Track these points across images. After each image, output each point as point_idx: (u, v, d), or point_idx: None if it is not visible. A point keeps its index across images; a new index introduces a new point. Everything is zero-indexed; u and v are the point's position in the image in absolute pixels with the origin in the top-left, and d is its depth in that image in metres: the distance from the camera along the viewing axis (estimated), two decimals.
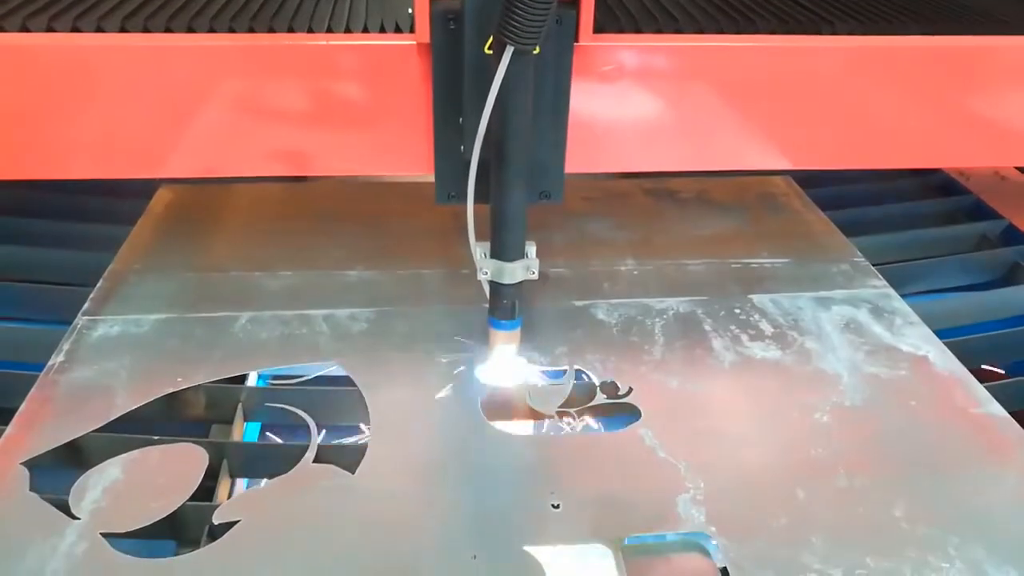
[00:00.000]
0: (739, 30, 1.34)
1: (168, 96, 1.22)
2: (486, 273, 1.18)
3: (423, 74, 1.19)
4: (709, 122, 1.32)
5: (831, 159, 1.41)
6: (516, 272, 1.17)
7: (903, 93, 1.35)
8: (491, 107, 1.00)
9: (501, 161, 1.08)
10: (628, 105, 1.29)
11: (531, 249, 1.18)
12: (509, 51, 0.95)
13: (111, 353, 1.24)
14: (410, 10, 1.13)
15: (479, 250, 1.17)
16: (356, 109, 1.25)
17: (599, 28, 1.26)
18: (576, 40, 1.14)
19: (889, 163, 1.46)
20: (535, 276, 1.19)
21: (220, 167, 1.29)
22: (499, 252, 1.16)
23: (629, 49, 1.25)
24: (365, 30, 1.26)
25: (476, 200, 1.11)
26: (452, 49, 1.10)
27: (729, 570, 0.93)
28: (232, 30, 1.25)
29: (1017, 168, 2.03)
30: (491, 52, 0.99)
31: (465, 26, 1.05)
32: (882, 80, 1.33)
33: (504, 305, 1.21)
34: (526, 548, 0.95)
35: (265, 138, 1.27)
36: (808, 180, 1.89)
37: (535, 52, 1.01)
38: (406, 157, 1.27)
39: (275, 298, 1.39)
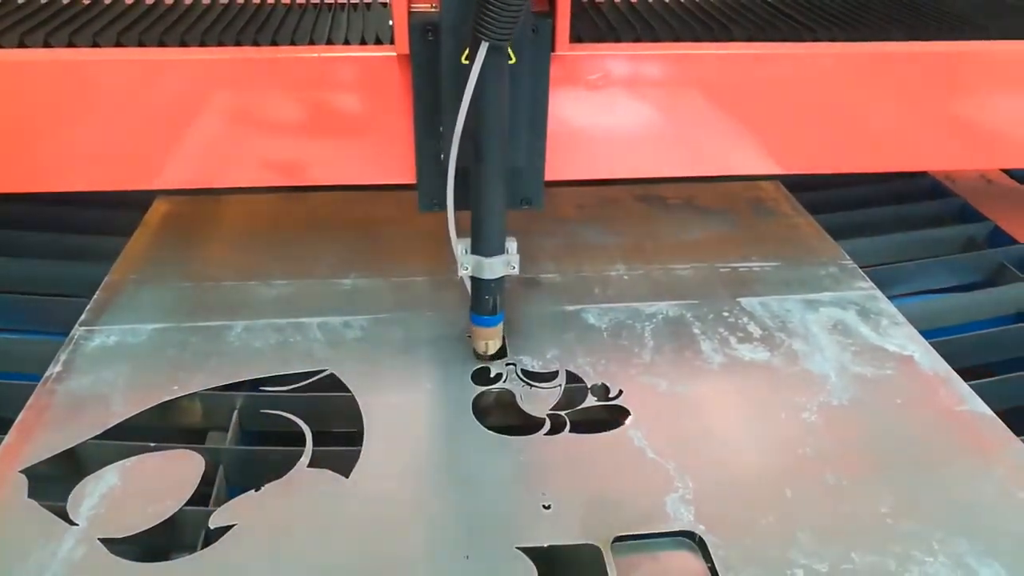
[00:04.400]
0: (714, 38, 1.37)
1: (162, 108, 1.25)
2: (467, 269, 1.20)
3: (404, 84, 1.22)
4: (690, 128, 1.35)
5: (816, 163, 1.44)
6: (496, 267, 1.19)
7: (887, 98, 1.38)
8: (468, 103, 1.02)
9: (479, 157, 1.10)
10: (606, 112, 1.32)
11: (512, 244, 1.20)
12: (484, 47, 0.98)
13: (108, 362, 1.26)
14: (390, 22, 1.17)
15: (460, 246, 1.18)
16: (341, 119, 1.28)
17: (577, 38, 1.29)
18: (553, 49, 1.16)
19: (873, 167, 1.49)
20: (515, 271, 1.21)
21: (213, 178, 1.32)
22: (479, 248, 1.18)
23: (606, 58, 1.28)
24: (346, 42, 1.29)
25: (457, 207, 1.14)
26: (431, 60, 1.13)
27: (717, 567, 0.94)
28: (221, 43, 1.28)
29: (1003, 171, 2.05)
30: (468, 62, 1.01)
31: (443, 37, 1.08)
32: (867, 85, 1.36)
33: (485, 300, 1.23)
34: (517, 548, 0.96)
35: (255, 149, 1.30)
36: (797, 185, 1.91)
37: (512, 62, 1.05)
38: (391, 165, 1.30)
39: (270, 307, 1.41)
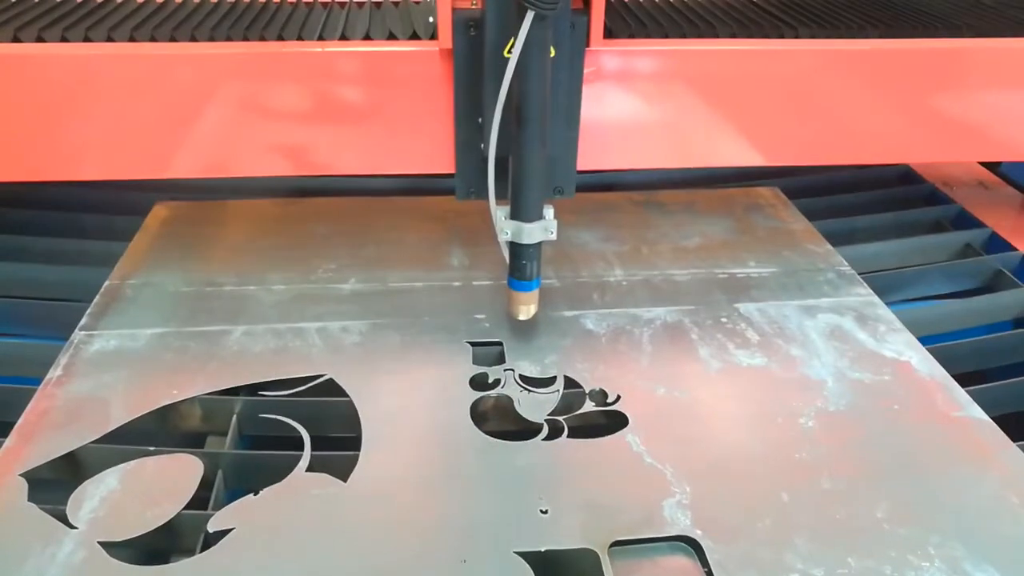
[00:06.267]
0: (733, 34, 1.40)
1: (197, 103, 1.31)
2: (506, 234, 1.23)
3: (445, 77, 1.27)
4: (713, 121, 1.39)
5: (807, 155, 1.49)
6: (534, 233, 1.22)
7: (876, 92, 1.42)
8: (512, 71, 1.06)
9: (520, 124, 1.14)
10: (637, 106, 1.36)
11: (549, 211, 1.23)
12: (530, 16, 1.02)
13: (108, 367, 1.26)
14: (431, 18, 1.25)
15: (499, 212, 1.22)
16: (383, 111, 1.34)
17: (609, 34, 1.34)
18: (588, 45, 1.23)
19: (857, 159, 1.55)
20: (553, 236, 1.24)
21: (248, 169, 1.37)
22: (518, 213, 1.21)
23: (638, 53, 1.32)
24: (367, 38, 1.32)
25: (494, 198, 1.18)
26: (473, 54, 1.19)
27: (713, 571, 0.95)
28: (263, 38, 1.33)
29: (1001, 178, 2.06)
30: (510, 56, 1.06)
31: (486, 32, 1.14)
32: (864, 81, 1.40)
33: (523, 266, 1.26)
34: (515, 552, 0.97)
35: (295, 141, 1.35)
36: (795, 190, 1.91)
37: (551, 55, 1.10)
38: (430, 156, 1.36)
39: (269, 312, 1.42)
